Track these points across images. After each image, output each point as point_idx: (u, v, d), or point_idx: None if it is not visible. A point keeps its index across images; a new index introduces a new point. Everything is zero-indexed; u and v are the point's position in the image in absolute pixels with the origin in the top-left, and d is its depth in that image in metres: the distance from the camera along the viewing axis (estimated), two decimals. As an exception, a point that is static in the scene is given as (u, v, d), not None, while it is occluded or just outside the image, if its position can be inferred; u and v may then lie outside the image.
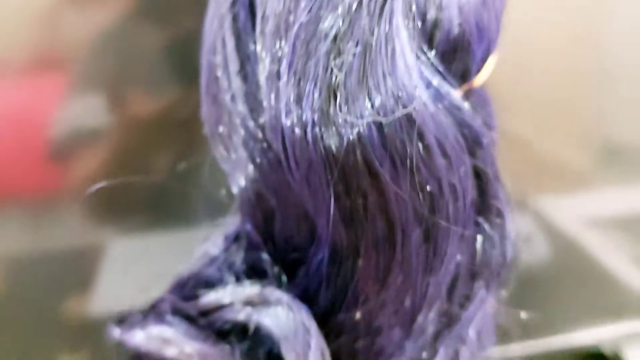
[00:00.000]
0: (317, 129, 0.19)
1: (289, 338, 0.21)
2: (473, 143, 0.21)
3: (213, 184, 0.29)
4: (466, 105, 0.22)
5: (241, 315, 0.23)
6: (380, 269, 0.21)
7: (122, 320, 0.25)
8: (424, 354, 0.23)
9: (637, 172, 0.57)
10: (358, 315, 0.22)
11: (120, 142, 0.42)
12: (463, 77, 0.23)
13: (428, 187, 0.20)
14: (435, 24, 0.21)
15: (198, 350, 0.23)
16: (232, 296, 0.23)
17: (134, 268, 0.41)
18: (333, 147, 0.19)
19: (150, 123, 0.42)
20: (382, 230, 0.20)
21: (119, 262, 0.41)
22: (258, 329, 0.23)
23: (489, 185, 0.22)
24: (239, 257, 0.25)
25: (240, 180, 0.22)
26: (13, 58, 0.39)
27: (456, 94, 0.21)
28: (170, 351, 0.23)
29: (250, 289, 0.23)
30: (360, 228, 0.20)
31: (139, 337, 0.24)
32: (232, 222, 0.25)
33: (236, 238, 0.25)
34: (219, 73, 0.22)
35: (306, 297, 0.23)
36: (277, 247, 0.23)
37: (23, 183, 0.44)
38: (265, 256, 0.24)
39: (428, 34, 0.21)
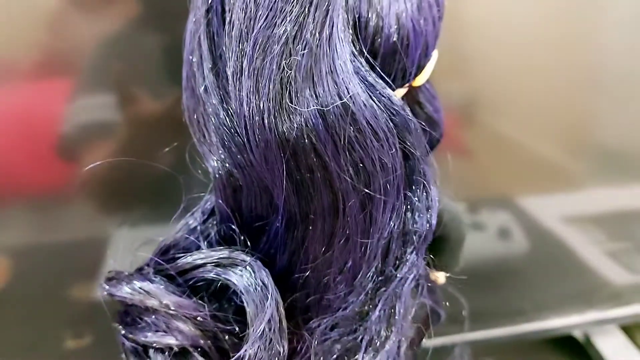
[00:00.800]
0: (272, 116, 0.23)
1: (250, 292, 0.25)
2: (403, 129, 0.25)
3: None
4: (397, 98, 0.25)
5: (212, 274, 0.26)
6: (326, 233, 0.25)
7: (111, 279, 0.28)
8: (365, 307, 0.26)
9: (618, 172, 0.58)
10: (308, 273, 0.26)
11: (126, 138, 0.44)
12: (403, 76, 0.26)
13: (363, 164, 0.23)
14: (376, 31, 0.24)
15: (175, 301, 0.26)
16: (205, 259, 0.27)
17: (138, 258, 0.43)
18: (285, 131, 0.23)
19: (154, 120, 0.44)
20: (327, 200, 0.24)
21: (123, 252, 0.41)
22: (225, 286, 0.26)
23: (417, 164, 0.26)
24: (213, 229, 0.28)
25: (213, 161, 0.26)
26: (23, 60, 0.41)
27: (388, 89, 0.25)
28: (151, 302, 0.26)
29: (220, 252, 0.27)
30: (309, 198, 0.24)
31: (125, 291, 0.27)
32: (208, 198, 0.29)
33: (212, 212, 0.28)
34: (196, 69, 0.26)
35: (267, 260, 0.27)
36: (244, 218, 0.27)
37: (33, 178, 0.46)
38: (234, 227, 0.27)
39: (370, 40, 0.24)
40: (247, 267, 0.26)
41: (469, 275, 0.49)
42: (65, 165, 0.45)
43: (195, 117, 0.26)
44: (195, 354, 0.26)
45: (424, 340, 0.41)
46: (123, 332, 0.28)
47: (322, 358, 0.26)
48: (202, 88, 0.25)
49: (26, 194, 0.46)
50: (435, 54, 0.29)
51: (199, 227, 0.29)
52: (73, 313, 0.51)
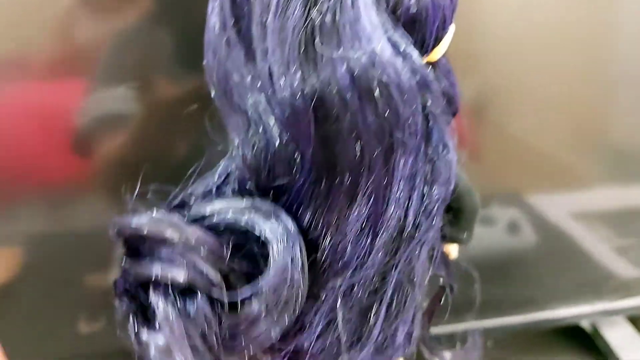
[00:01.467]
0: (297, 69, 0.23)
1: (274, 234, 0.24)
2: (423, 87, 0.25)
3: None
4: (416, 55, 0.25)
5: (231, 218, 0.25)
6: (350, 187, 0.24)
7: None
8: (384, 268, 0.26)
9: (627, 171, 0.59)
10: (331, 230, 0.25)
11: (142, 129, 0.44)
12: (422, 47, 0.27)
13: (387, 117, 0.23)
14: (396, 2, 0.25)
15: (197, 235, 0.24)
16: (226, 204, 0.26)
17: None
18: (311, 83, 0.23)
19: (172, 108, 0.44)
20: (352, 153, 0.24)
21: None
22: (245, 234, 0.25)
23: (436, 124, 0.26)
24: (229, 189, 0.28)
25: (234, 121, 0.26)
26: (39, 58, 0.41)
27: (410, 47, 0.25)
28: (170, 233, 0.24)
29: (242, 201, 0.26)
30: (334, 151, 0.24)
31: (143, 219, 0.25)
32: (227, 164, 0.28)
33: (227, 176, 0.28)
34: (218, 29, 0.26)
35: (301, 222, 0.26)
36: (266, 178, 0.26)
37: (50, 170, 0.46)
38: (253, 187, 0.26)
39: (392, 9, 0.25)
40: (272, 214, 0.25)
41: (479, 266, 0.51)
42: (81, 158, 0.46)
43: (216, 77, 0.26)
44: (200, 295, 0.24)
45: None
46: (126, 265, 0.25)
47: (342, 315, 0.26)
48: (224, 47, 0.25)
49: (42, 186, 0.46)
50: (452, 28, 0.29)
51: (214, 188, 0.28)
52: (88, 297, 0.51)
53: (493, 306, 0.60)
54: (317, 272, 0.26)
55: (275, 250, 0.24)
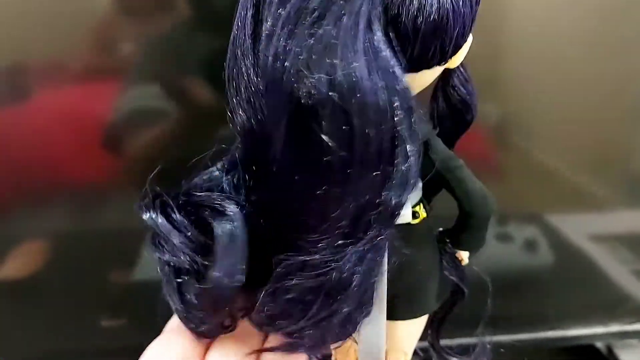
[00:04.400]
0: (290, 77, 0.24)
1: (222, 235, 0.28)
2: (400, 111, 0.25)
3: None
4: (404, 80, 0.26)
5: (205, 213, 0.29)
6: (309, 184, 0.26)
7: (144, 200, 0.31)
8: (335, 257, 0.28)
9: None
10: (292, 215, 0.28)
11: (172, 126, 0.47)
12: (442, 54, 0.28)
13: (352, 133, 0.25)
14: (418, 8, 0.26)
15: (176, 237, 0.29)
16: (204, 200, 0.30)
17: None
18: (296, 91, 0.24)
19: (204, 110, 0.46)
20: (315, 156, 0.25)
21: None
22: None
23: (403, 146, 0.26)
24: (230, 177, 0.31)
25: (240, 115, 0.28)
26: (73, 61, 0.43)
27: (398, 69, 0.25)
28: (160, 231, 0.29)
29: (217, 197, 0.29)
30: (301, 152, 0.26)
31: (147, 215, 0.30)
32: (233, 151, 0.31)
33: (232, 164, 0.31)
34: (239, 34, 0.28)
35: (263, 201, 0.29)
36: (257, 167, 0.29)
37: (79, 170, 0.48)
38: (245, 173, 0.30)
39: (412, 18, 0.26)
40: (229, 215, 0.28)
41: (494, 281, 0.51)
42: (110, 158, 0.47)
43: (232, 75, 0.28)
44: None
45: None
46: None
47: (289, 291, 0.28)
48: (241, 50, 0.27)
49: (71, 185, 0.48)
50: (470, 38, 0.30)
51: (218, 174, 0.31)
52: (112, 295, 0.53)
53: (506, 322, 0.59)
54: (276, 247, 0.29)
55: (219, 247, 0.28)
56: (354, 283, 0.28)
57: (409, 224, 0.34)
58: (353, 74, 0.24)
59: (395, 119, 0.25)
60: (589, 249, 0.60)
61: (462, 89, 0.35)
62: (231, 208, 0.29)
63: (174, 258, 0.29)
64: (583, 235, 0.60)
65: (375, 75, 0.25)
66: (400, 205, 0.27)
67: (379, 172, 0.26)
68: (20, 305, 0.52)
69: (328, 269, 0.28)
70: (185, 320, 0.30)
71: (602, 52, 0.50)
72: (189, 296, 0.29)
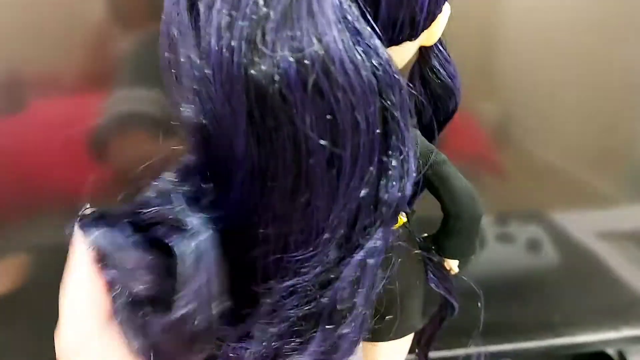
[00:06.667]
0: (241, 56, 0.20)
1: (185, 257, 0.22)
2: (385, 85, 0.21)
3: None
4: (384, 50, 0.21)
5: (159, 233, 0.23)
6: (287, 190, 0.21)
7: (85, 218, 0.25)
8: (328, 276, 0.23)
9: None
10: (269, 231, 0.22)
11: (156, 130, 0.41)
12: (412, 25, 0.24)
13: (334, 120, 0.20)
14: None
15: (132, 257, 0.23)
16: (156, 217, 0.24)
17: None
18: (253, 74, 0.19)
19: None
20: (290, 155, 0.21)
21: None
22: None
23: (396, 128, 0.22)
24: (184, 185, 0.25)
25: (184, 109, 0.23)
26: (65, 73, 0.42)
27: (376, 39, 0.21)
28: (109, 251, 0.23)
29: (171, 211, 0.23)
30: (271, 151, 0.21)
31: (92, 233, 0.24)
32: (184, 159, 0.25)
33: (187, 171, 0.25)
34: (173, 12, 0.22)
35: (229, 214, 0.23)
36: (212, 172, 0.24)
37: (66, 181, 0.45)
38: (201, 181, 0.24)
39: None
40: (190, 230, 0.22)
41: (496, 286, 0.47)
42: (97, 168, 0.45)
43: (169, 61, 0.23)
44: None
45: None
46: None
47: (278, 323, 0.23)
48: (177, 27, 0.22)
49: (56, 196, 0.45)
50: (447, 9, 0.26)
51: (170, 186, 0.25)
52: None
53: (511, 329, 0.57)
54: (257, 273, 0.24)
55: (182, 278, 0.22)
56: (359, 300, 0.24)
57: (386, 229, 0.29)
58: (327, 47, 0.19)
59: (383, 96, 0.21)
60: (596, 248, 0.57)
61: (442, 71, 0.30)
62: (191, 221, 0.23)
63: (130, 284, 0.23)
64: (589, 233, 0.57)
65: (352, 47, 0.20)
66: (404, 198, 0.23)
67: (373, 165, 0.21)
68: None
69: (324, 290, 0.23)
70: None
71: (606, 46, 0.48)
72: (151, 332, 0.23)
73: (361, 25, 0.21)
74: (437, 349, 0.39)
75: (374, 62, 0.21)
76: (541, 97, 0.49)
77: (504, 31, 0.46)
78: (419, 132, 0.30)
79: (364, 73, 0.20)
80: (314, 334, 0.23)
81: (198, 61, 0.21)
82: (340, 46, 0.20)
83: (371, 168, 0.21)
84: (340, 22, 0.20)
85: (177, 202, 0.23)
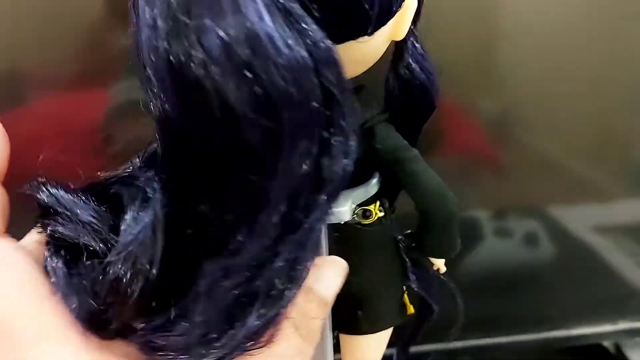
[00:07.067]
0: (166, 41, 0.19)
1: (134, 207, 0.22)
2: (322, 63, 0.21)
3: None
4: (317, 28, 0.21)
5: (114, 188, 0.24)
6: (222, 169, 0.21)
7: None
8: (266, 254, 0.22)
9: None
10: (206, 211, 0.22)
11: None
12: (364, 18, 0.23)
13: (269, 96, 0.19)
14: None
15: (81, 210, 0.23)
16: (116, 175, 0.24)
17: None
18: (180, 60, 0.19)
19: None
20: (224, 133, 0.20)
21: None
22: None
23: (336, 105, 0.21)
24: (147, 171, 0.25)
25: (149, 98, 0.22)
26: (68, 70, 0.41)
27: (308, 18, 0.21)
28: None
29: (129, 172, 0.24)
30: (205, 130, 0.20)
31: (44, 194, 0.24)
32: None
33: (151, 157, 0.25)
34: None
35: (171, 193, 0.23)
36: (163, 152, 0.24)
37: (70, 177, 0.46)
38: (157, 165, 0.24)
39: None
40: (145, 193, 0.23)
41: (494, 279, 0.47)
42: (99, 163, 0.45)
43: (136, 53, 0.22)
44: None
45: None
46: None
47: (213, 304, 0.22)
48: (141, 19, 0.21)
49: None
50: (412, 3, 0.25)
51: (136, 168, 0.25)
52: None
53: (508, 322, 0.57)
54: (199, 252, 0.23)
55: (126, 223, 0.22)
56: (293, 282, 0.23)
57: (358, 224, 0.29)
58: (252, 26, 0.19)
59: (320, 73, 0.20)
60: (593, 242, 0.56)
61: (416, 68, 0.29)
62: (146, 184, 0.23)
63: (78, 236, 0.23)
64: (586, 227, 0.56)
65: (283, 24, 0.19)
66: (346, 176, 0.22)
67: (313, 141, 0.21)
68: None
69: (261, 270, 0.22)
70: (89, 314, 0.23)
71: (604, 40, 0.48)
72: (96, 284, 0.22)
73: (293, 7, 0.20)
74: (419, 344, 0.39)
75: (307, 40, 0.20)
76: (538, 91, 0.48)
77: (507, 25, 0.46)
78: (390, 128, 0.30)
79: (296, 48, 0.20)
80: (247, 318, 0.23)
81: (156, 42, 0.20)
82: (269, 23, 0.19)
83: (311, 144, 0.21)
84: (270, 4, 0.19)
85: (141, 176, 0.24)
